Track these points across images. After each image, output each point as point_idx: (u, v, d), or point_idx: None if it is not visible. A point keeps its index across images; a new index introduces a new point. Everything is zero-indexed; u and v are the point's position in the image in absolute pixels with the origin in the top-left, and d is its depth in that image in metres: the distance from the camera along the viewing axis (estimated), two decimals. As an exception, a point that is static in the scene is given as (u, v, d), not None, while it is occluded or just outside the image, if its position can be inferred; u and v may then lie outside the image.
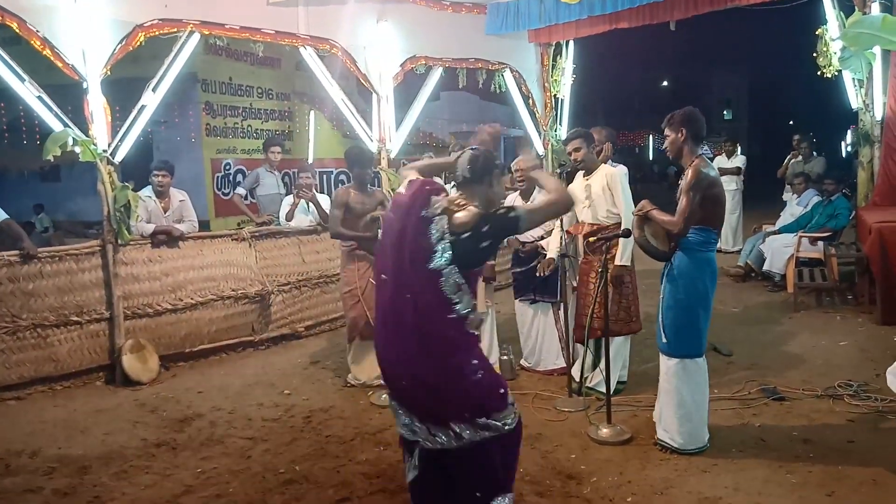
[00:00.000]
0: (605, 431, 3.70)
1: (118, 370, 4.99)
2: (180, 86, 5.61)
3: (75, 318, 4.92)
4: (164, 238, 5.37)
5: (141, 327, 5.20)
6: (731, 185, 9.40)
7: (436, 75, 7.30)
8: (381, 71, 6.68)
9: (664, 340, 3.50)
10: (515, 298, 4.96)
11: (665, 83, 35.53)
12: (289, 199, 6.39)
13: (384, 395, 4.48)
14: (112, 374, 5.04)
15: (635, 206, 3.65)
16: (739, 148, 10.57)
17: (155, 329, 5.28)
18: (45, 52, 4.70)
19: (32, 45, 4.67)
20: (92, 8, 4.81)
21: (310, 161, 8.85)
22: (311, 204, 6.32)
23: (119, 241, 5.09)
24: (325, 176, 11.48)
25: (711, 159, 10.03)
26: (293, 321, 6.15)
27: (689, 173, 3.39)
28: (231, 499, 3.22)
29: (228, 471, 3.52)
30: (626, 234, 3.84)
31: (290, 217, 6.28)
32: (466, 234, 2.39)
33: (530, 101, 7.99)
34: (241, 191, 7.12)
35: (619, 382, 4.35)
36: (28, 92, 4.79)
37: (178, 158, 9.11)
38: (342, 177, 11.89)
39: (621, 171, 4.50)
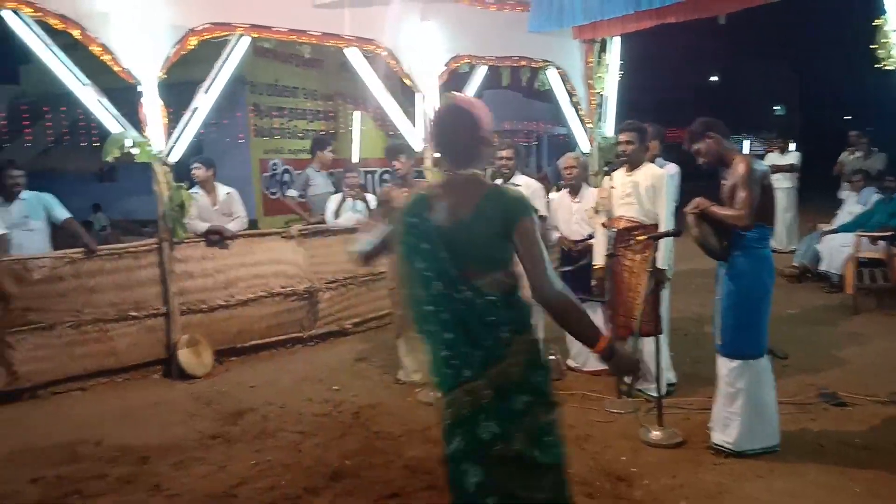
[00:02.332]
0: (656, 434, 3.66)
1: (174, 364, 5.15)
2: (229, 88, 5.76)
3: (134, 314, 5.11)
4: (217, 238, 5.52)
5: (195, 323, 5.36)
6: (784, 183, 9.13)
7: (480, 74, 7.30)
8: (425, 70, 6.71)
9: (723, 342, 3.43)
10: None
11: (713, 78, 34.69)
12: (335, 198, 6.48)
13: (431, 392, 4.54)
14: (168, 367, 5.21)
15: (687, 205, 3.58)
16: (794, 144, 10.24)
17: (209, 325, 5.43)
18: (103, 57, 4.88)
19: (91, 51, 4.86)
20: (147, 13, 4.96)
21: (354, 160, 8.96)
22: (358, 202, 6.41)
23: (174, 240, 5.25)
24: (369, 175, 11.61)
25: (762, 156, 9.77)
26: (340, 318, 6.24)
27: (740, 167, 3.32)
28: (284, 491, 3.30)
29: (281, 464, 3.60)
30: (678, 233, 3.78)
31: (338, 215, 6.38)
32: None
33: (574, 98, 7.91)
34: (293, 192, 7.24)
35: (668, 384, 4.28)
36: (89, 96, 4.99)
37: (227, 159, 9.35)
38: (386, 176, 12.01)
39: (670, 170, 4.43)
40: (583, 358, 4.90)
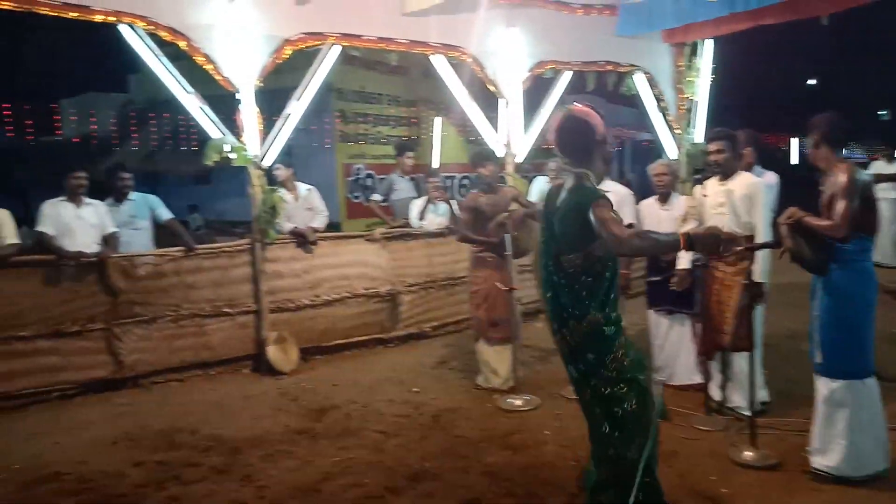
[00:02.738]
0: (748, 454, 3.50)
1: (263, 359, 5.38)
2: (317, 95, 5.97)
3: (227, 310, 5.37)
4: (301, 240, 5.71)
5: (283, 321, 5.57)
6: (890, 194, 8.54)
7: (564, 79, 7.23)
8: (509, 76, 6.72)
9: (824, 360, 3.24)
10: (649, 308, 4.80)
11: (812, 81, 32.80)
12: (419, 202, 6.59)
13: (509, 399, 4.53)
14: (258, 362, 5.44)
15: (781, 216, 3.41)
16: (901, 152, 9.56)
17: (295, 323, 5.64)
18: (206, 67, 5.16)
19: (195, 61, 5.15)
20: (246, 25, 5.22)
21: (435, 166, 9.06)
22: (442, 205, 6.51)
23: (265, 240, 5.49)
24: (449, 180, 11.72)
25: (866, 164, 9.18)
26: (420, 321, 6.33)
27: (841, 177, 3.14)
28: (366, 489, 3.38)
29: (363, 462, 3.69)
30: (776, 244, 3.60)
31: (422, 217, 6.48)
32: None
33: (662, 103, 7.70)
34: (377, 197, 7.41)
35: (761, 403, 4.08)
36: (192, 103, 5.29)
37: (313, 164, 9.66)
38: (465, 181, 12.08)
39: (769, 180, 4.24)
40: (668, 371, 4.75)
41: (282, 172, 5.98)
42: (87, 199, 5.17)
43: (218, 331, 5.35)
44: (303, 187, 6.12)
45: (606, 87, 7.94)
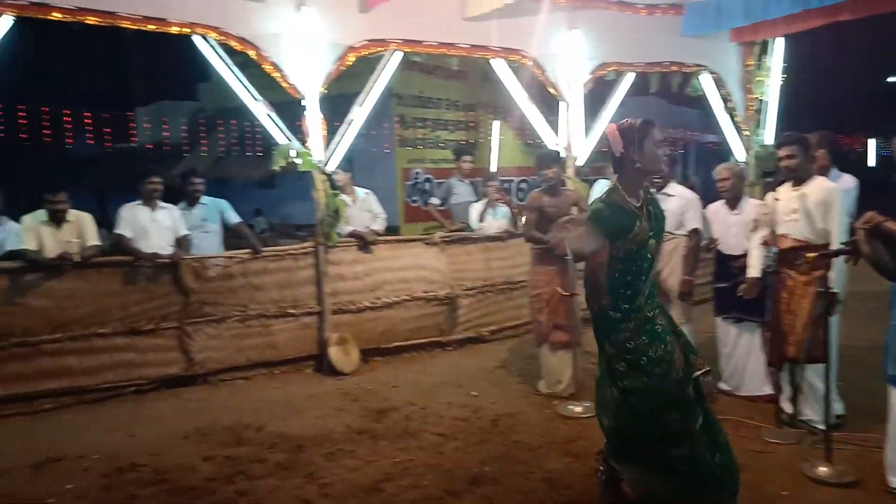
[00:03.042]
0: (823, 470, 3.35)
1: (325, 360, 5.50)
2: (377, 100, 6.07)
3: (291, 311, 5.52)
4: (360, 242, 5.80)
5: (345, 322, 5.68)
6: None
7: (627, 81, 7.11)
8: (571, 79, 6.65)
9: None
10: (717, 316, 4.66)
11: (893, 79, 31.12)
12: (478, 205, 6.59)
13: (569, 406, 4.48)
14: (320, 363, 5.56)
15: (858, 220, 3.25)
16: None
17: (357, 325, 5.74)
18: (274, 75, 5.33)
19: (263, 69, 5.32)
20: (312, 33, 5.36)
21: (493, 170, 9.05)
22: (500, 207, 6.52)
23: (328, 243, 5.61)
24: (506, 184, 11.70)
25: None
26: (478, 325, 6.33)
27: None
28: (426, 491, 3.40)
29: (423, 464, 3.72)
30: (854, 251, 3.43)
31: (482, 219, 6.48)
32: None
33: (729, 104, 7.46)
34: (435, 201, 7.47)
35: (836, 416, 3.89)
36: (260, 110, 5.47)
37: (373, 168, 9.82)
38: (523, 185, 12.02)
39: (846, 183, 4.05)
40: (736, 381, 4.60)
41: (340, 177, 6.10)
42: (162, 203, 5.41)
43: (282, 331, 5.50)
44: (360, 191, 6.24)
45: (671, 88, 7.77)
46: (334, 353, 5.47)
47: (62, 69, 16.61)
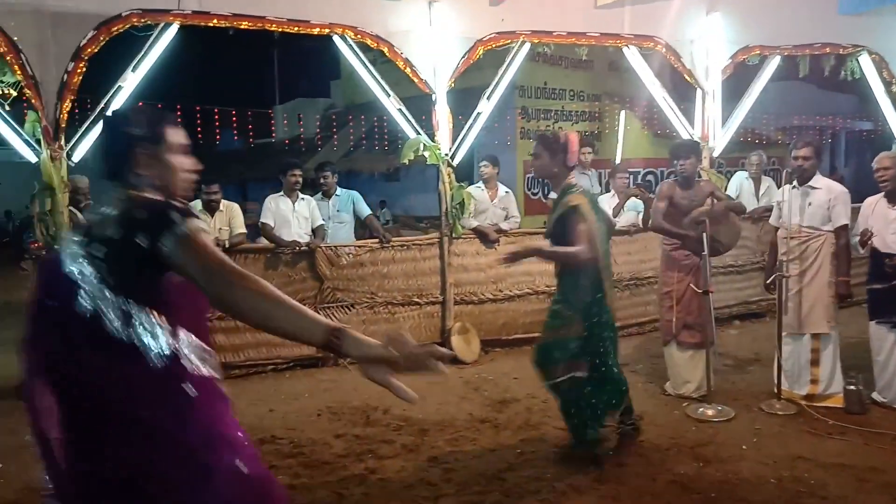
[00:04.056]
0: None
1: (447, 348, 5.61)
2: (502, 92, 6.06)
3: (416, 300, 5.69)
4: (483, 238, 5.83)
5: (467, 312, 5.78)
6: None
7: (772, 65, 6.62)
8: (709, 65, 6.30)
9: None
10: (871, 320, 4.25)
11: None
12: (608, 199, 6.38)
13: (700, 409, 4.27)
14: (442, 351, 5.68)
15: None
16: None
17: (478, 315, 5.82)
18: (406, 70, 5.49)
19: (396, 65, 5.50)
20: (442, 28, 5.46)
21: (618, 161, 8.78)
22: (639, 202, 6.32)
23: (453, 235, 5.71)
24: (632, 176, 11.34)
25: None
26: (600, 321, 6.18)
27: None
28: (550, 483, 3.38)
29: (545, 457, 3.70)
30: None
31: (616, 213, 6.29)
32: None
33: (893, 87, 6.74)
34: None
35: None
36: (392, 105, 5.66)
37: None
38: (649, 177, 11.57)
39: None
40: (892, 392, 4.17)
41: (488, 170, 6.18)
42: (301, 195, 5.76)
43: (408, 318, 5.68)
44: (502, 188, 6.27)
45: (822, 71, 7.14)
46: (456, 341, 5.58)
47: (210, 71, 18.09)
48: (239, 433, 1.67)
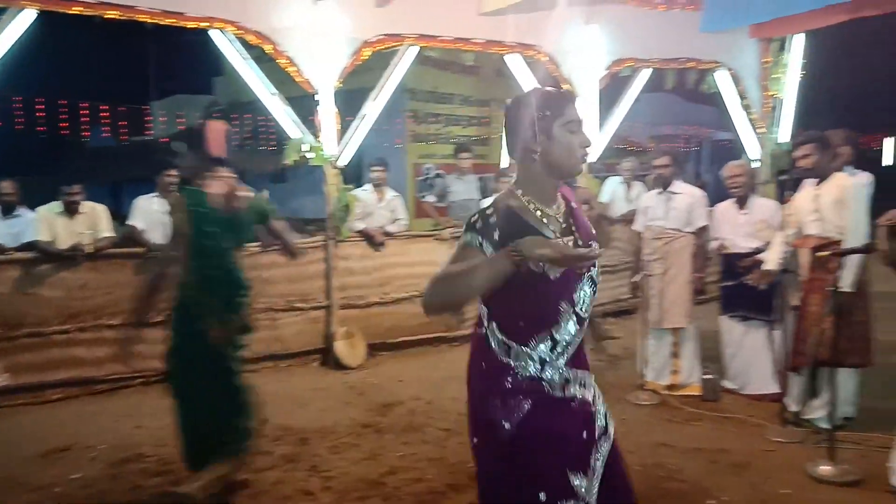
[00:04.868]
0: (826, 469, 3.32)
1: (331, 354, 5.52)
2: (391, 95, 6.07)
3: (299, 305, 5.55)
4: (369, 240, 5.80)
5: (352, 317, 5.70)
6: None
7: (643, 77, 7.05)
8: (586, 75, 6.61)
9: None
10: (723, 314, 4.62)
11: (912, 77, 30.62)
12: (488, 202, 6.52)
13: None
14: (326, 357, 5.59)
15: (880, 217, 3.20)
16: None
17: (364, 319, 5.76)
18: (289, 69, 5.34)
19: (279, 63, 5.33)
20: (328, 27, 5.37)
21: (503, 166, 9.01)
22: None
23: (338, 238, 5.62)
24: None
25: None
26: (486, 321, 6.31)
27: None
28: (429, 485, 3.40)
29: (426, 458, 3.72)
30: (868, 249, 3.39)
31: None
32: None
33: (745, 101, 7.38)
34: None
35: (843, 418, 3.85)
36: (275, 104, 5.48)
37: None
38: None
39: (861, 181, 3.98)
40: (742, 379, 4.56)
41: (378, 173, 6.13)
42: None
43: (290, 325, 5.53)
44: (390, 191, 6.26)
45: (686, 84, 7.70)
46: (341, 347, 5.49)
47: (79, 62, 16.78)
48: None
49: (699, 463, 3.55)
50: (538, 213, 1.82)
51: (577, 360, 1.86)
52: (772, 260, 4.13)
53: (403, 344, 5.94)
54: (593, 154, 6.84)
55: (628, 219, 6.85)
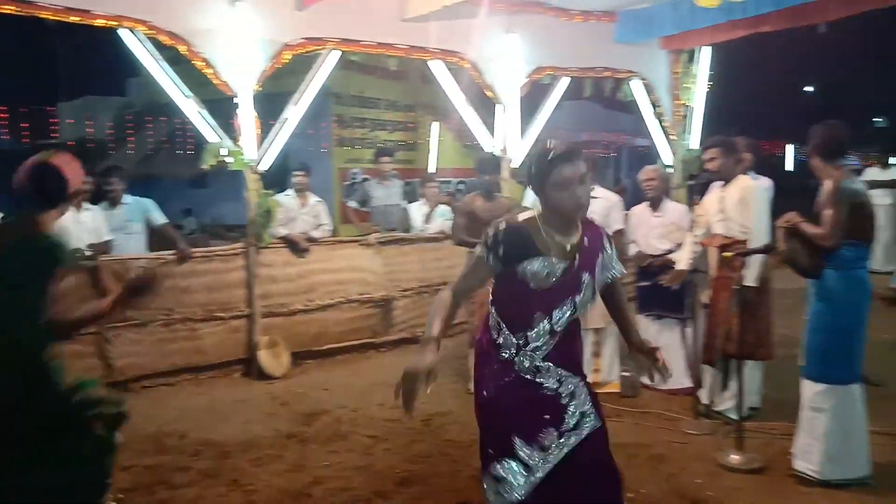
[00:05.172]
0: (734, 458, 3.51)
1: (254, 364, 5.37)
2: (315, 99, 5.98)
3: (220, 314, 5.37)
4: (293, 246, 5.68)
5: (276, 325, 5.57)
6: (886, 200, 8.55)
7: (562, 85, 7.25)
8: (507, 82, 6.74)
9: (808, 364, 3.27)
10: (639, 314, 4.81)
11: (808, 88, 32.93)
12: (420, 207, 6.52)
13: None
14: (249, 367, 5.43)
15: (779, 219, 3.44)
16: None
17: (288, 327, 5.63)
18: (205, 71, 5.17)
19: (195, 65, 5.16)
20: (246, 30, 5.23)
21: (431, 171, 9.07)
22: (441, 208, 6.53)
23: (260, 245, 5.48)
24: (444, 185, 11.75)
25: (860, 171, 9.20)
26: (414, 326, 6.31)
27: (828, 185, 3.19)
28: (355, 493, 3.37)
29: (353, 466, 3.68)
30: (768, 249, 3.62)
31: (427, 220, 6.41)
32: None
33: (658, 109, 7.72)
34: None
35: (750, 409, 4.09)
36: (190, 107, 5.30)
37: (310, 168, 9.66)
38: (460, 186, 12.08)
39: (762, 184, 4.24)
40: (659, 376, 4.75)
41: (300, 178, 6.02)
42: (87, 205, 5.17)
43: (210, 335, 5.34)
44: (313, 197, 6.16)
45: (604, 92, 7.97)
46: (264, 356, 5.36)
47: (-23, 60, 15.69)
48: None
49: (619, 458, 3.58)
50: (548, 238, 2.13)
51: (562, 360, 2.20)
52: (683, 260, 4.34)
53: (329, 351, 5.85)
54: (515, 160, 6.98)
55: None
